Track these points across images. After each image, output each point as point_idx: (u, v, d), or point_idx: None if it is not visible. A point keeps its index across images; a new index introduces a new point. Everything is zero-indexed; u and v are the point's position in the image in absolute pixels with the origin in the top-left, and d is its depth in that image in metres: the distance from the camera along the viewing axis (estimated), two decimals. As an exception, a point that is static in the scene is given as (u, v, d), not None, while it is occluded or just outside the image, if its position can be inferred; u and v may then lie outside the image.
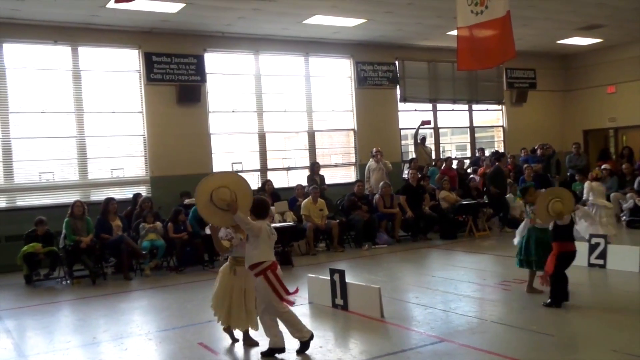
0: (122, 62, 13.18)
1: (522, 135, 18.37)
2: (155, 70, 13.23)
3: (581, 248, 9.04)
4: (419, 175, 13.77)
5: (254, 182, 13.59)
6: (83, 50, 12.67)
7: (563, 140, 19.32)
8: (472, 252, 11.19)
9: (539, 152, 16.54)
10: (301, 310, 7.47)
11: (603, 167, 14.54)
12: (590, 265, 8.97)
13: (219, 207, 5.47)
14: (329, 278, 7.41)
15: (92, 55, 12.79)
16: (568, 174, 16.37)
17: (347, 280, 7.23)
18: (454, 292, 7.92)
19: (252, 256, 5.50)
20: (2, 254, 11.24)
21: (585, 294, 7.71)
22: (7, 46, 11.98)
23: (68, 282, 10.26)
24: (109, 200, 10.94)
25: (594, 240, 9.04)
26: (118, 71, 13.14)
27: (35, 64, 12.33)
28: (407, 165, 15.94)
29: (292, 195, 13.08)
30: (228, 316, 5.86)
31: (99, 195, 12.38)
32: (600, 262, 8.87)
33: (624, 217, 13.49)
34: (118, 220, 10.95)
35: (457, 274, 9.12)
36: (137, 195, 12.05)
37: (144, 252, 10.56)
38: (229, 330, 6.07)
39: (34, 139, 12.24)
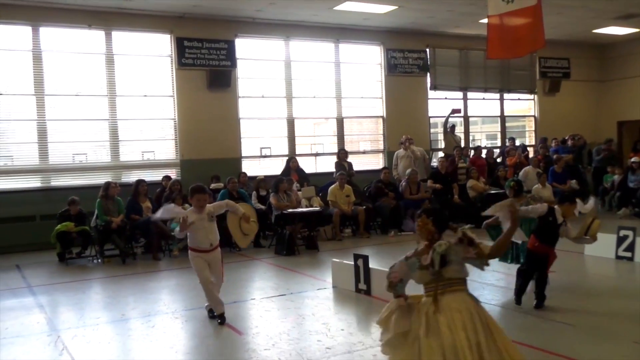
0: (154, 46, 13.36)
1: (554, 126, 18.11)
2: (187, 55, 13.39)
3: (609, 240, 9.04)
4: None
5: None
6: (116, 35, 12.87)
7: (596, 131, 19.00)
8: (498, 242, 11.12)
9: (569, 142, 16.32)
10: (325, 294, 7.59)
11: (632, 160, 14.32)
12: (618, 257, 8.89)
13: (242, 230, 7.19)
14: (352, 263, 7.48)
15: (125, 40, 12.99)
16: (593, 166, 16.11)
17: (370, 265, 7.30)
18: (477, 280, 7.90)
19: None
20: (37, 232, 11.54)
21: (610, 286, 7.68)
22: (43, 30, 12.23)
23: (99, 260, 10.52)
24: (140, 182, 11.17)
25: (622, 233, 8.94)
26: (150, 55, 13.32)
27: (70, 47, 12.57)
28: (436, 153, 15.93)
29: (327, 181, 13.16)
30: None
31: (129, 177, 12.65)
32: (629, 254, 8.78)
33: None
34: (148, 202, 11.17)
35: (481, 263, 9.10)
36: (166, 178, 12.25)
37: (172, 234, 10.75)
38: None
39: (68, 121, 12.52)
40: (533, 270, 6.54)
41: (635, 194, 13.72)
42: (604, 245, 9.07)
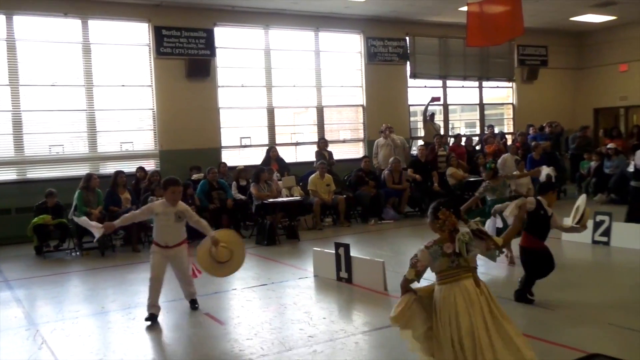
0: (132, 35, 13.19)
1: (532, 113, 18.27)
2: (165, 44, 13.24)
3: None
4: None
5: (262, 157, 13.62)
6: (93, 23, 12.68)
7: (573, 118, 19.19)
8: (478, 229, 11.21)
9: (547, 130, 16.46)
10: (306, 283, 7.60)
11: (609, 146, 14.49)
12: (595, 242, 9.01)
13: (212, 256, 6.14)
14: (334, 252, 7.49)
15: (102, 29, 12.81)
16: (570, 153, 16.28)
17: (352, 254, 7.31)
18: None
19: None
20: (13, 225, 11.38)
21: (586, 271, 7.79)
22: (17, 18, 12.01)
23: (77, 253, 10.42)
24: (118, 173, 11.04)
25: (598, 218, 9.06)
26: (128, 45, 13.16)
27: (46, 36, 12.36)
28: (416, 141, 16.00)
29: (307, 171, 13.15)
30: None
31: (108, 169, 12.51)
32: (605, 239, 8.90)
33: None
34: (127, 193, 11.06)
35: (462, 250, 9.18)
36: (140, 169, 12.07)
37: (152, 225, 10.66)
38: None
39: (44, 112, 12.33)
40: (538, 266, 6.21)
41: (611, 180, 13.88)
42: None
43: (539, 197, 6.26)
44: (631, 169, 12.21)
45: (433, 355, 3.93)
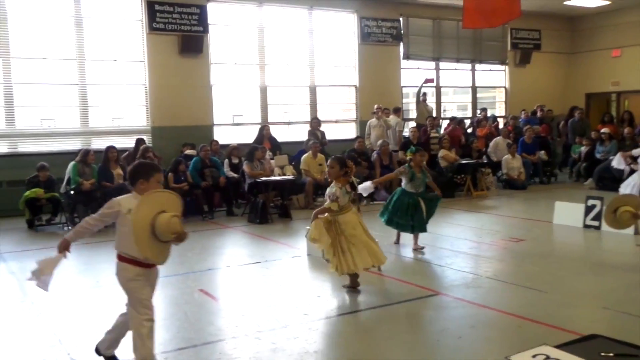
0: (124, 10, 13.02)
1: (524, 97, 18.33)
2: (158, 19, 13.10)
3: (577, 209, 9.27)
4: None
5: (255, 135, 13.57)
6: (85, -4, 12.53)
7: (565, 102, 19.25)
8: (469, 211, 11.31)
9: (538, 114, 16.53)
10: (299, 261, 7.63)
11: (602, 131, 14.60)
12: (586, 226, 9.11)
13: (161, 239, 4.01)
14: (327, 231, 7.50)
15: (94, 2, 12.63)
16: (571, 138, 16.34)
17: (345, 233, 7.33)
18: (449, 248, 8.06)
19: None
20: (4, 198, 11.34)
21: (579, 254, 7.87)
22: (8, -10, 11.84)
23: (69, 227, 10.36)
24: (110, 148, 10.94)
25: (590, 202, 9.15)
26: (120, 19, 13.00)
27: (37, 9, 12.18)
28: (408, 123, 16.01)
29: (299, 150, 13.12)
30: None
31: (99, 144, 12.40)
32: (596, 223, 8.99)
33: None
34: (119, 169, 11.00)
35: (453, 232, 9.25)
36: (139, 141, 11.95)
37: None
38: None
39: (35, 85, 12.22)
40: None
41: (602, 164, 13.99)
42: (572, 214, 9.31)
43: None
44: (617, 164, 12.34)
45: (333, 254, 5.92)
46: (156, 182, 4.20)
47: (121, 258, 4.17)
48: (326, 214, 5.96)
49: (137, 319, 4.08)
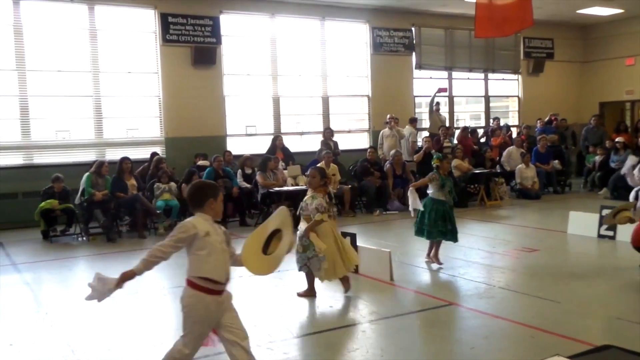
0: (138, 22, 13.18)
1: (538, 106, 18.23)
2: (171, 31, 13.23)
3: (591, 219, 9.19)
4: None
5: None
6: (99, 9, 12.67)
7: (579, 111, 19.17)
8: (482, 221, 11.25)
9: (554, 123, 16.45)
10: (312, 271, 7.62)
11: (617, 140, 14.49)
12: (600, 236, 9.03)
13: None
14: (340, 241, 7.50)
15: (108, 15, 12.80)
16: (585, 145, 16.24)
17: (358, 243, 7.33)
18: (462, 258, 8.01)
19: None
20: (20, 209, 11.45)
21: (592, 264, 7.80)
22: (24, 3, 11.99)
23: (84, 238, 10.47)
24: (123, 159, 11.04)
25: (604, 212, 9.06)
26: (134, 31, 13.15)
27: (52, 22, 12.35)
28: (421, 133, 15.99)
29: (311, 160, 13.12)
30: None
31: (114, 155, 12.50)
32: (610, 233, 8.91)
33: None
34: (133, 179, 11.09)
35: (466, 241, 9.18)
36: (154, 154, 12.13)
37: (158, 212, 10.74)
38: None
39: (50, 97, 12.36)
40: None
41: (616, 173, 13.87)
42: (586, 224, 9.24)
43: None
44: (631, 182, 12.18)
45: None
46: (221, 202, 4.06)
47: (194, 285, 3.87)
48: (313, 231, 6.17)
49: (179, 346, 3.89)
